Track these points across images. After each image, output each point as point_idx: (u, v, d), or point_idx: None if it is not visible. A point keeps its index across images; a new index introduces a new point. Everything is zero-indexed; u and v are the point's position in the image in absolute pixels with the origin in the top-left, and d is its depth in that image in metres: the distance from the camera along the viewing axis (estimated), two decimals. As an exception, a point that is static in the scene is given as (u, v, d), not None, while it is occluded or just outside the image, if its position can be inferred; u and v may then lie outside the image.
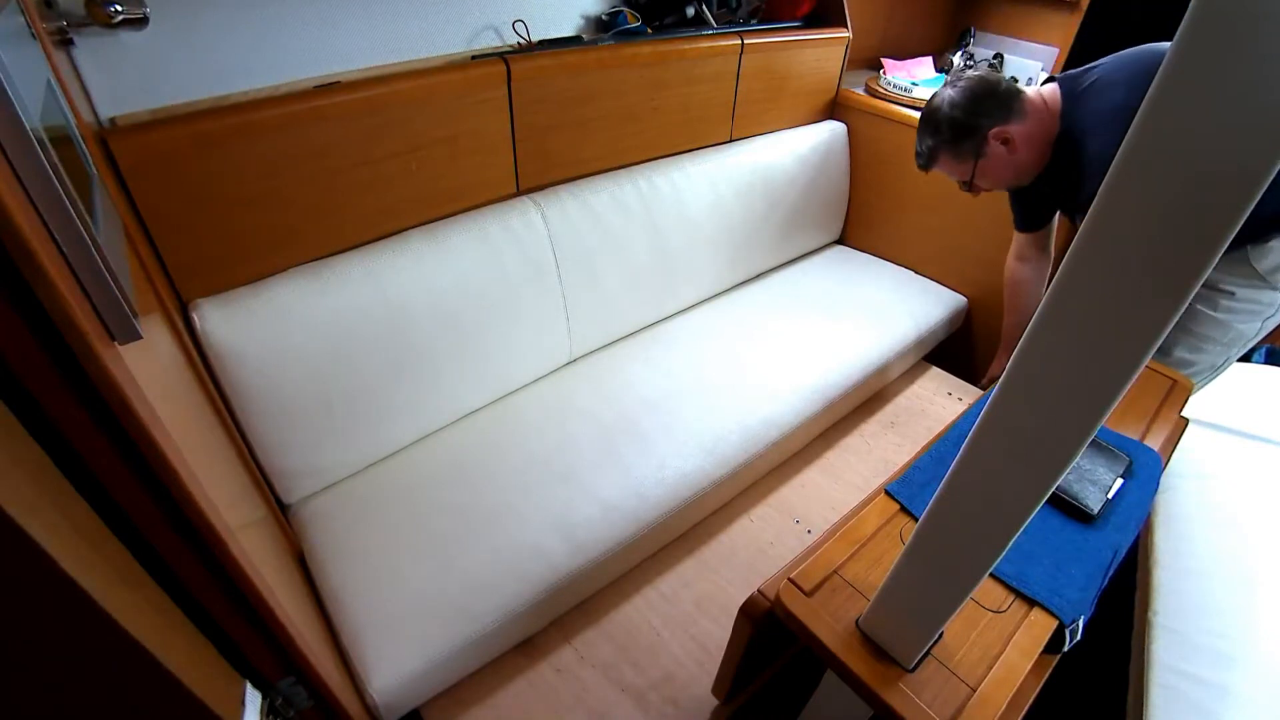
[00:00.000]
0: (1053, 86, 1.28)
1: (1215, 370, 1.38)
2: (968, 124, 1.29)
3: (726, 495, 1.47)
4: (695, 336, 1.71)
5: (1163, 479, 0.99)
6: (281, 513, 1.21)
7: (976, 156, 1.31)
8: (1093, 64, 1.25)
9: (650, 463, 1.32)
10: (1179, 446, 1.10)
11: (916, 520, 0.65)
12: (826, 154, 1.98)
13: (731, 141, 1.81)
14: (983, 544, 0.59)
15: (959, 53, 2.17)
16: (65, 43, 0.89)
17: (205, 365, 1.04)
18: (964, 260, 1.92)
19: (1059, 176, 1.30)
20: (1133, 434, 1.06)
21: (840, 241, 2.24)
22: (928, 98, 1.88)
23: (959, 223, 1.88)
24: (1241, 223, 0.37)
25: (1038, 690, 0.76)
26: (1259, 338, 1.31)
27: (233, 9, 1.04)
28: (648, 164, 1.63)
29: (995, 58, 2.17)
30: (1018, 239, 1.57)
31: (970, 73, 1.36)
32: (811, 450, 1.66)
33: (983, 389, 1.61)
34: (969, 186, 1.38)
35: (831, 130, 1.99)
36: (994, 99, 1.27)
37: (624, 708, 1.13)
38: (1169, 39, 0.36)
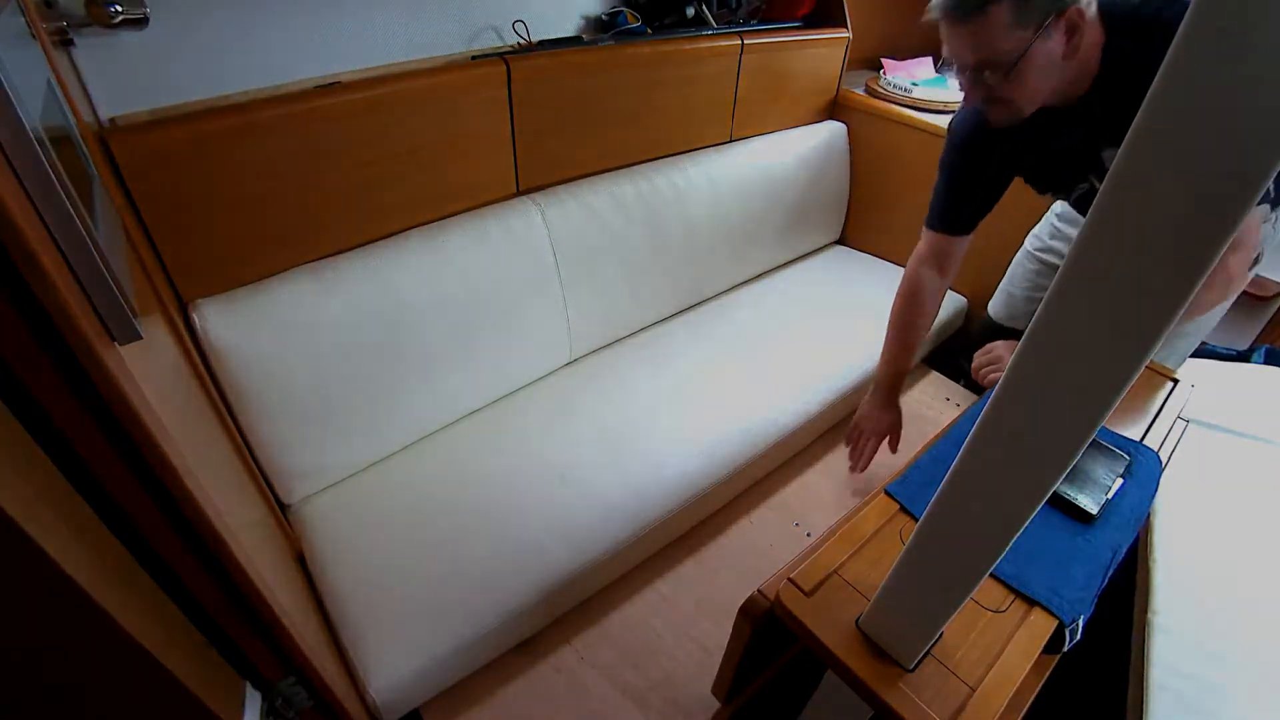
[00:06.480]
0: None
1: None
2: None
3: (726, 497, 1.47)
4: (695, 337, 1.71)
5: (1163, 479, 0.99)
6: (281, 513, 1.21)
7: (1038, 30, 0.89)
8: None
9: (650, 463, 1.32)
10: (1179, 446, 1.10)
11: (916, 520, 0.65)
12: (826, 154, 1.98)
13: (731, 141, 1.81)
14: (983, 544, 0.59)
15: (959, 53, 2.16)
16: (65, 43, 0.89)
17: (205, 365, 1.04)
18: (963, 260, 1.92)
19: (1106, 108, 0.96)
20: (1133, 434, 1.06)
21: (840, 242, 2.24)
22: (929, 97, 1.89)
23: (959, 223, 1.87)
24: (1242, 222, 0.37)
25: (1037, 690, 0.76)
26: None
27: (233, 9, 1.04)
28: (647, 164, 1.63)
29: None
30: (932, 240, 1.31)
31: None
32: (811, 453, 1.66)
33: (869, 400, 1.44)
34: (1001, 76, 0.94)
35: (831, 130, 1.99)
36: None
37: (624, 708, 1.13)
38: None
